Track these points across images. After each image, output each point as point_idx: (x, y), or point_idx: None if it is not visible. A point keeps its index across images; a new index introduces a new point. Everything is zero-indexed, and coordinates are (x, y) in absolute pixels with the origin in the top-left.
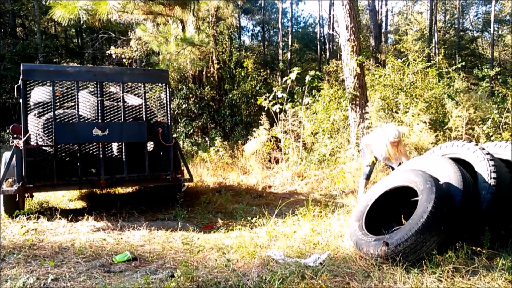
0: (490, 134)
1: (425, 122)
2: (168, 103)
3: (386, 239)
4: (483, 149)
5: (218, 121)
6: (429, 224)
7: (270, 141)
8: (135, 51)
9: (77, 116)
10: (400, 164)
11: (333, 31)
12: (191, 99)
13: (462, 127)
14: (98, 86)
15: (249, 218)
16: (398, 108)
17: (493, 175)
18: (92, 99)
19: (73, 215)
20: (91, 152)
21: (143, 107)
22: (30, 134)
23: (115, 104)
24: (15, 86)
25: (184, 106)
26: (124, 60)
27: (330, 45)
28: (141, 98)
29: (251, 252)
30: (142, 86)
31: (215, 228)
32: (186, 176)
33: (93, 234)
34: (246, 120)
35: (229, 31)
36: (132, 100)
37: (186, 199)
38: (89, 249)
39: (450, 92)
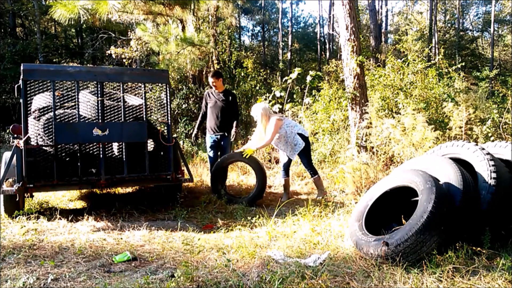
0: (490, 134)
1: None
2: (169, 103)
3: (386, 239)
4: (483, 149)
5: None
6: (429, 224)
7: None
8: (135, 51)
9: (77, 116)
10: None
11: (333, 31)
12: (191, 99)
13: (462, 127)
14: (99, 86)
15: (249, 218)
16: (398, 108)
17: (493, 175)
18: (92, 99)
19: (73, 215)
20: (91, 152)
21: (143, 107)
22: (30, 134)
23: (116, 104)
24: (15, 86)
25: (184, 106)
26: (124, 60)
27: (330, 45)
28: (142, 98)
29: (251, 252)
30: (142, 86)
31: (215, 228)
32: (186, 176)
33: (93, 234)
34: (246, 120)
35: (229, 31)
36: (133, 100)
37: (186, 199)
38: (89, 249)
39: (450, 92)
